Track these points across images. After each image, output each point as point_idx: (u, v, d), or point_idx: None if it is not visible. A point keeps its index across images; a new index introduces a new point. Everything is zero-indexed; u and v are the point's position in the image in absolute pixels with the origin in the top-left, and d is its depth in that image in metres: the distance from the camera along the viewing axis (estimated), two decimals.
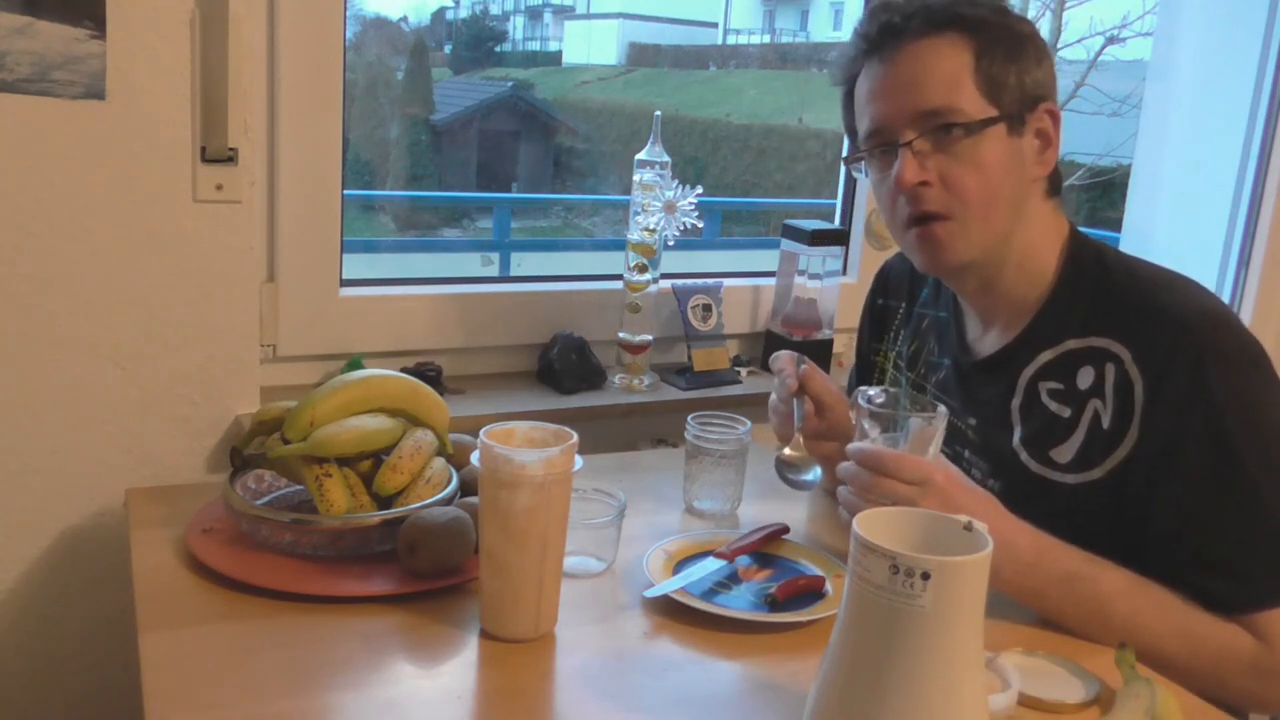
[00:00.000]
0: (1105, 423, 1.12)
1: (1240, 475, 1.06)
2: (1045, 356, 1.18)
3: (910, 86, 1.14)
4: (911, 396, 1.14)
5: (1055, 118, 1.16)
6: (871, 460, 1.05)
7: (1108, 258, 1.18)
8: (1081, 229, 1.24)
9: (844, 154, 1.24)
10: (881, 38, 1.16)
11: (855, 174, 1.25)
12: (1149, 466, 1.09)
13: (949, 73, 1.12)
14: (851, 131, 1.24)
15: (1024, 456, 1.18)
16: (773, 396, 1.31)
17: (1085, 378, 1.14)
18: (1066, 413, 1.15)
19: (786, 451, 1.26)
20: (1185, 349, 1.07)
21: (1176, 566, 1.07)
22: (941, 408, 1.10)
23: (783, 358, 1.30)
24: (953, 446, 1.27)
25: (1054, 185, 1.20)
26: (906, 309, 1.40)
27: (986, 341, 1.25)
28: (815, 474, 1.26)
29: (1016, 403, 1.20)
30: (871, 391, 1.10)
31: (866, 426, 1.09)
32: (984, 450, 1.25)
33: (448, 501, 1.16)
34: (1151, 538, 1.09)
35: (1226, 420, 1.06)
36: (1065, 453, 1.15)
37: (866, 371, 1.47)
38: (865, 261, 2.01)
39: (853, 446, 1.07)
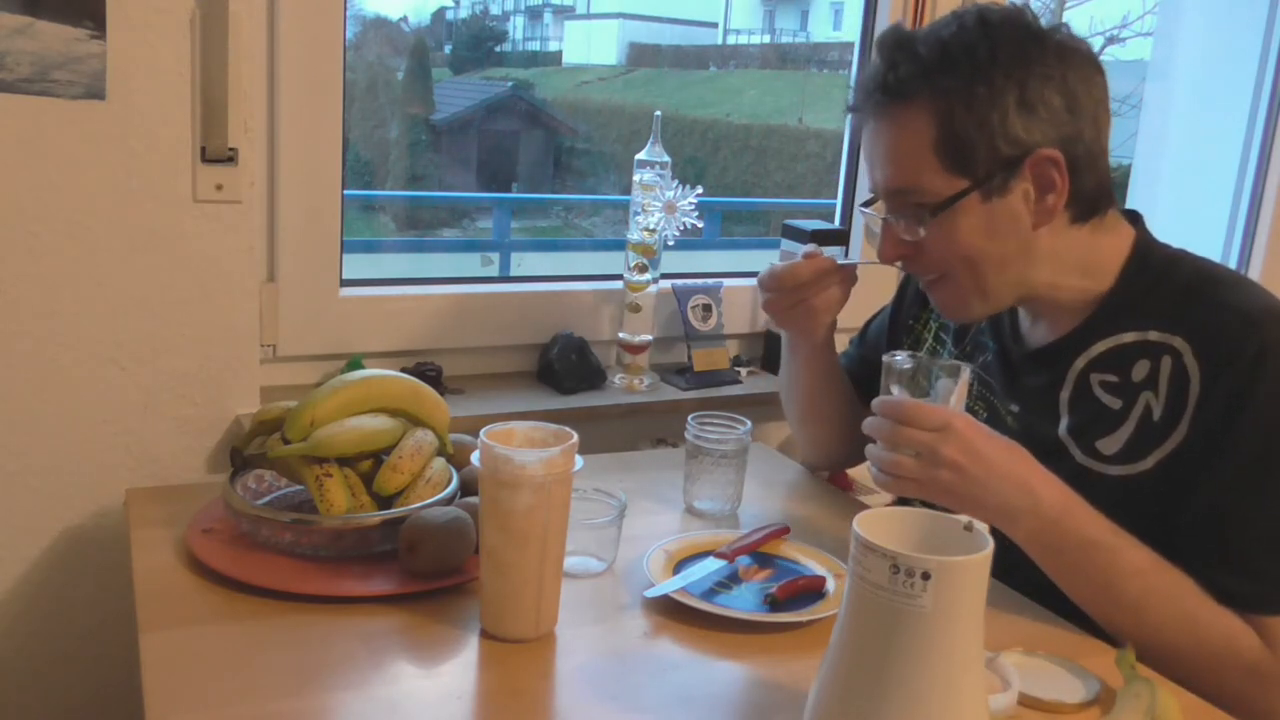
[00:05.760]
0: (1156, 415, 1.11)
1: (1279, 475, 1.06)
2: (1099, 348, 1.16)
3: (879, 162, 1.15)
4: (936, 360, 1.14)
5: (1057, 162, 1.08)
6: (892, 410, 1.06)
7: (1179, 258, 1.17)
8: None
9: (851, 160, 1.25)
10: (856, 102, 1.17)
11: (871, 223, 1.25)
12: (1196, 459, 1.08)
13: (910, 151, 1.10)
14: None
15: (1070, 447, 1.17)
16: (776, 269, 1.30)
17: (1140, 370, 1.13)
18: (1118, 404, 1.14)
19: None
20: (1248, 343, 1.06)
21: (1200, 558, 1.07)
22: (966, 365, 1.10)
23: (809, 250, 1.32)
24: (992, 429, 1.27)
25: (1085, 210, 1.13)
26: None
27: (1038, 332, 1.24)
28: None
29: (1066, 394, 1.19)
30: (899, 355, 1.11)
31: (895, 390, 1.10)
32: (1025, 438, 1.22)
33: (448, 501, 1.16)
34: (1182, 527, 1.09)
35: (1275, 415, 1.05)
36: (1112, 444, 1.14)
37: (897, 336, 1.44)
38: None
39: (876, 400, 1.08)
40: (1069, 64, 1.10)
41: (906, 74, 1.09)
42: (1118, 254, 1.17)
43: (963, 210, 1.10)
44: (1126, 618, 1.04)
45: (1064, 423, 1.18)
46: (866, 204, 1.22)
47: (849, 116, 1.93)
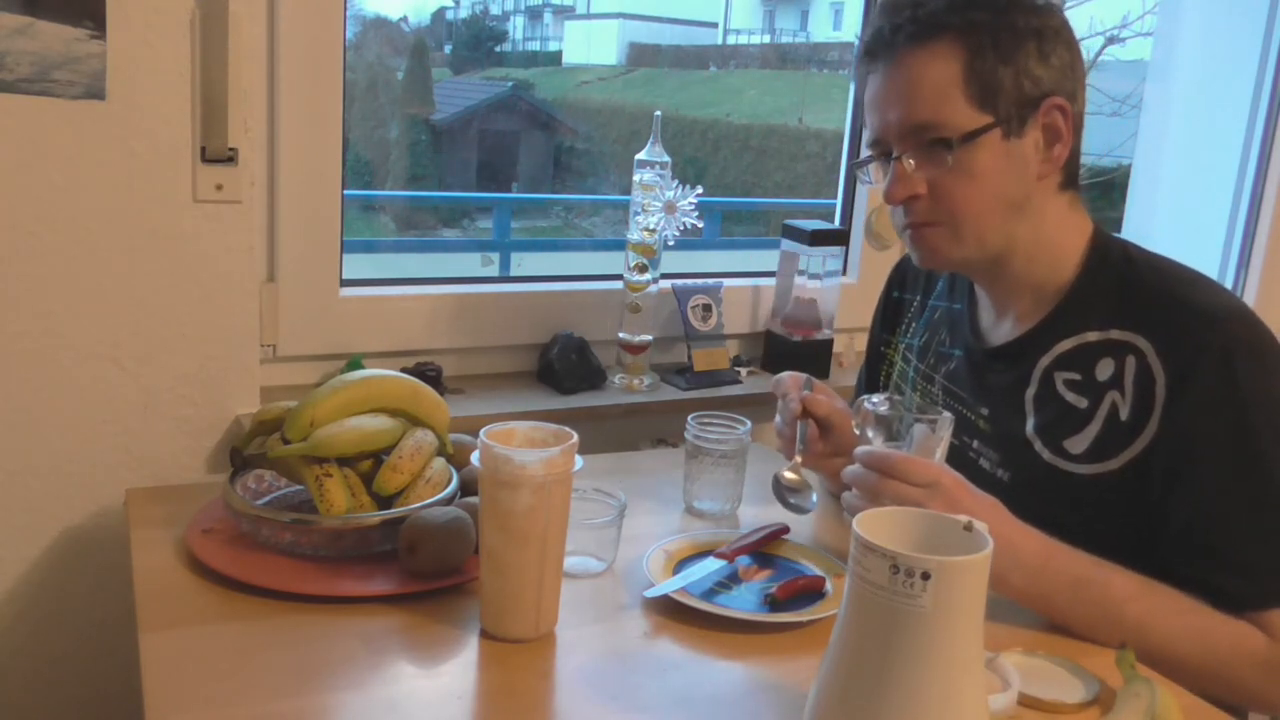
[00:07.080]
0: (1123, 415, 1.11)
1: (1262, 472, 1.06)
2: (1063, 346, 1.17)
3: (898, 100, 1.13)
4: (916, 403, 1.14)
5: (1065, 112, 1.12)
6: (879, 462, 1.04)
7: (1133, 253, 1.18)
8: None
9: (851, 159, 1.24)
10: (875, 46, 1.15)
11: (862, 180, 1.24)
12: (1168, 460, 1.08)
13: (936, 84, 1.11)
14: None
15: (1037, 446, 1.18)
16: (777, 419, 1.29)
17: (1104, 369, 1.13)
18: (1083, 404, 1.14)
19: (787, 475, 1.25)
20: (1213, 344, 1.06)
21: (1191, 561, 1.07)
22: (946, 414, 1.09)
23: (786, 380, 1.28)
24: (960, 437, 1.26)
25: (1069, 178, 1.17)
26: (921, 301, 1.40)
27: (1001, 330, 1.24)
28: (813, 501, 1.25)
29: (1031, 392, 1.19)
30: (876, 398, 1.10)
31: (870, 434, 1.09)
32: (995, 440, 1.24)
33: (448, 501, 1.16)
34: (1167, 531, 1.09)
35: (1252, 416, 1.06)
36: (1079, 443, 1.14)
37: (875, 365, 1.47)
38: (865, 261, 2.01)
39: (860, 450, 1.07)
40: (1071, 34, 1.15)
41: (937, 7, 1.11)
42: (1081, 238, 1.19)
43: (984, 146, 1.11)
44: (1131, 641, 1.04)
45: (1030, 422, 1.19)
46: (864, 160, 1.20)
47: (849, 113, 1.92)
